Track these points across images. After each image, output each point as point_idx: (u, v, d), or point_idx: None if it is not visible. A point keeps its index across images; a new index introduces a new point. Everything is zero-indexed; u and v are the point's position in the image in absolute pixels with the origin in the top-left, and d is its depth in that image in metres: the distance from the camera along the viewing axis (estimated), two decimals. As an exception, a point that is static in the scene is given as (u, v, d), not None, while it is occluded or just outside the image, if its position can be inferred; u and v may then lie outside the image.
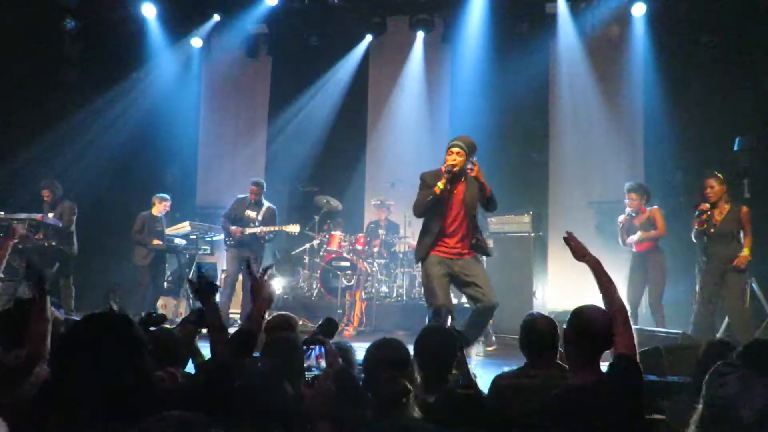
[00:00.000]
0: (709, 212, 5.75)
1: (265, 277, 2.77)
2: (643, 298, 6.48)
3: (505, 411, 2.66)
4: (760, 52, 7.86)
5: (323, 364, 2.60)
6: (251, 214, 7.56)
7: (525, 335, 3.00)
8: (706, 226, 5.74)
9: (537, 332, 2.94)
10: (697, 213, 5.82)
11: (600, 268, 2.78)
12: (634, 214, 6.46)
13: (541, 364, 2.91)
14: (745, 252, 5.65)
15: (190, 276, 8.04)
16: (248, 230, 7.43)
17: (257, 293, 2.60)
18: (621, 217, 6.55)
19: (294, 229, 7.65)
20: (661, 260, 6.34)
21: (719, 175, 5.80)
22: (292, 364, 2.61)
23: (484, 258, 5.52)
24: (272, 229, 7.51)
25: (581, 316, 2.54)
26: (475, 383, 2.91)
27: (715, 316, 5.83)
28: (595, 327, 2.49)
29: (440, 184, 4.69)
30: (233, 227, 7.48)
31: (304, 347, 2.68)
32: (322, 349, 2.64)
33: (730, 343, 3.02)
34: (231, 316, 7.70)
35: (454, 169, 4.71)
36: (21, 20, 8.89)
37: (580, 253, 2.90)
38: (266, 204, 7.71)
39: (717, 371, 2.05)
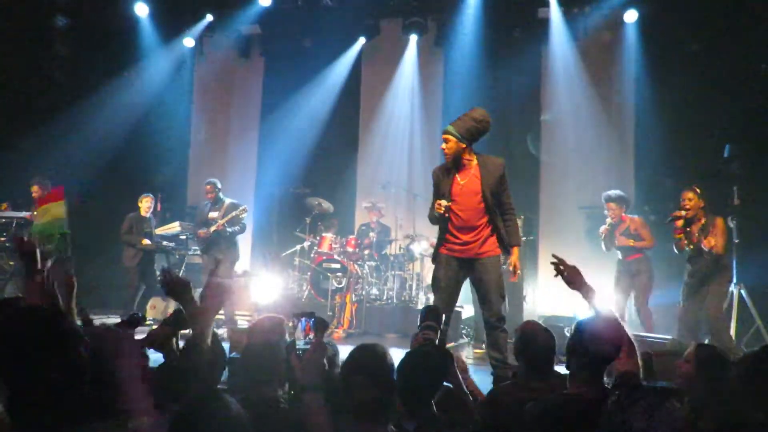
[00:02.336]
0: (683, 219, 5.76)
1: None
2: (630, 303, 6.53)
3: (503, 423, 2.63)
4: (751, 59, 7.92)
5: (308, 338, 2.58)
6: (213, 214, 7.57)
7: (523, 346, 2.97)
8: (682, 235, 5.76)
9: (537, 345, 2.92)
10: (669, 219, 5.83)
11: (593, 299, 2.77)
12: (615, 224, 6.45)
13: (540, 373, 2.91)
14: (716, 242, 5.58)
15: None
16: (212, 229, 7.43)
17: (208, 297, 2.43)
18: (602, 228, 6.54)
19: (241, 211, 7.52)
20: (648, 268, 6.35)
21: (697, 188, 5.79)
22: (272, 370, 2.59)
23: None
24: (228, 218, 7.40)
25: (584, 331, 2.49)
26: (465, 405, 2.81)
27: (698, 323, 5.84)
28: (599, 344, 2.43)
29: (443, 202, 4.38)
30: (199, 230, 7.55)
31: (294, 319, 2.65)
32: (311, 321, 2.61)
33: (721, 349, 3.02)
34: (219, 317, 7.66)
35: (447, 159, 4.41)
36: (11, 17, 8.82)
37: (576, 283, 2.88)
38: (227, 200, 7.70)
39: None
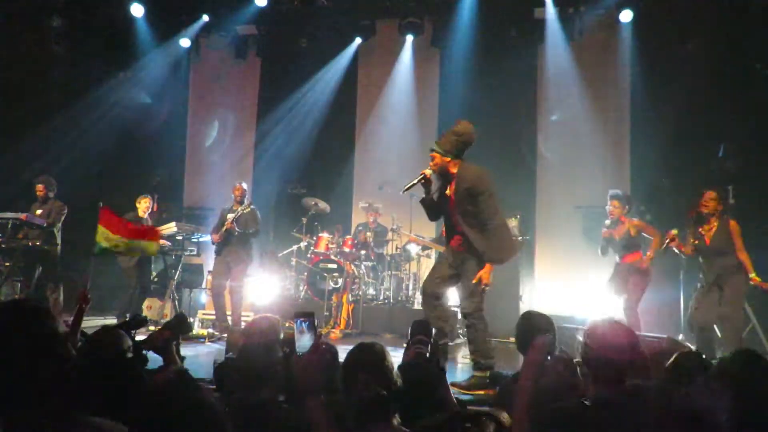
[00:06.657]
0: (677, 239, 5.79)
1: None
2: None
3: None
4: (746, 58, 7.95)
5: (306, 340, 2.56)
6: (230, 216, 7.44)
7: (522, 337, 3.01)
8: (693, 240, 5.79)
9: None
10: (665, 244, 5.85)
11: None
12: (614, 223, 6.34)
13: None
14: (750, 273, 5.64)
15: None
16: (223, 229, 7.30)
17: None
18: (604, 231, 6.45)
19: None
20: (639, 270, 6.24)
21: (714, 193, 5.77)
22: (268, 371, 2.58)
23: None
24: (233, 218, 7.26)
25: (598, 337, 2.29)
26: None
27: (708, 323, 5.82)
28: (615, 353, 2.24)
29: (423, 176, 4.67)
30: (214, 234, 7.45)
31: (295, 320, 2.63)
32: (305, 324, 2.59)
33: (704, 358, 2.97)
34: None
35: (427, 177, 4.60)
36: (8, 17, 8.80)
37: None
38: (247, 204, 7.48)
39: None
